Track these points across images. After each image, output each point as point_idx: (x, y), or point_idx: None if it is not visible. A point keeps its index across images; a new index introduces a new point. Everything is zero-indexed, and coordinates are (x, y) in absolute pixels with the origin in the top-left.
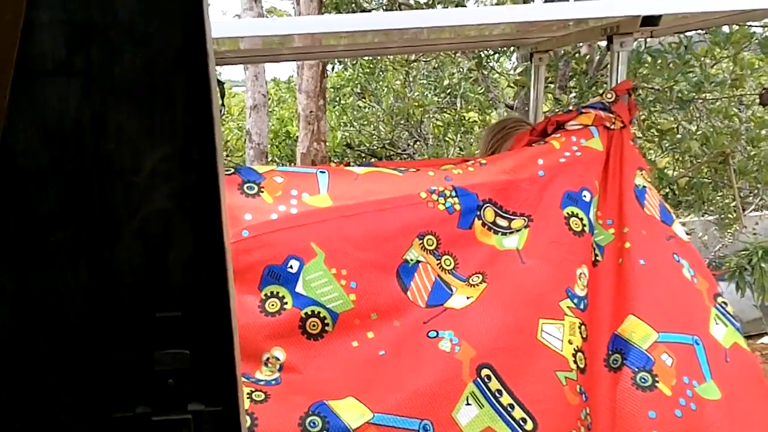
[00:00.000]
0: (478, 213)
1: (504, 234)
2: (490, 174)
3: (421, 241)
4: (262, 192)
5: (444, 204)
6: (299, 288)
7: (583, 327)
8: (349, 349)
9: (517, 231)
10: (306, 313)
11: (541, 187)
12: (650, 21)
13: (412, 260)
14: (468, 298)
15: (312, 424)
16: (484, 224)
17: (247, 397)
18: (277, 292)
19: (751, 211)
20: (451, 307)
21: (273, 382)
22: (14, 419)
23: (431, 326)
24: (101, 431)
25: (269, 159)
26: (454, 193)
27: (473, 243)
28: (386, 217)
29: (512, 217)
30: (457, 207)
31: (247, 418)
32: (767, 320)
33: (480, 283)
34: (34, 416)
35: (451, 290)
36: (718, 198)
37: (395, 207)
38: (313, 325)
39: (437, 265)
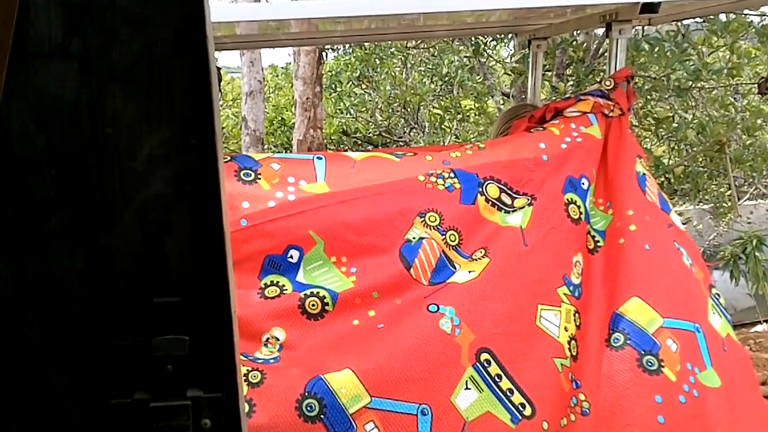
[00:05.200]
0: (480, 189)
1: (507, 212)
2: (490, 156)
3: (422, 219)
4: (259, 179)
5: (443, 184)
6: (300, 277)
7: (577, 315)
8: (349, 327)
9: (521, 209)
10: (305, 294)
11: (545, 171)
12: (649, 8)
13: (414, 238)
14: (470, 272)
15: (309, 408)
16: (487, 200)
17: (244, 380)
18: (278, 281)
19: (745, 200)
20: (453, 282)
21: (272, 360)
22: (13, 405)
23: (432, 300)
24: (99, 417)
25: (265, 146)
26: (452, 175)
27: (478, 219)
28: (384, 200)
29: (516, 195)
30: (457, 186)
31: (245, 404)
32: (761, 309)
33: (482, 257)
34: (33, 403)
35: (455, 267)
36: (713, 187)
37: (393, 190)
38: (313, 305)
39: (442, 240)
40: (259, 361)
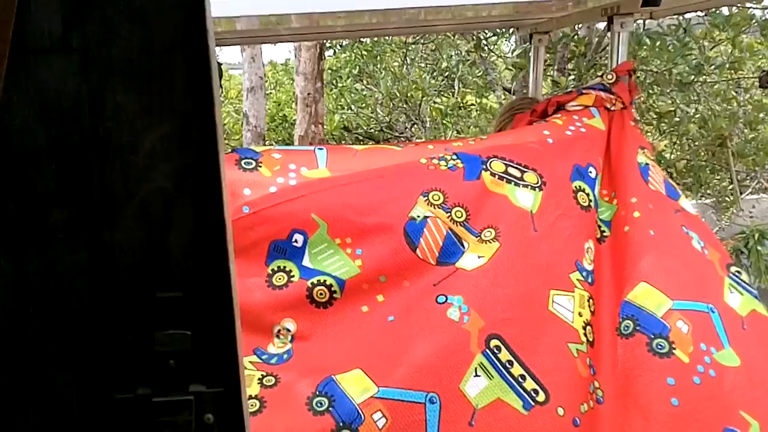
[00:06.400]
0: (484, 166)
1: (517, 185)
2: (493, 143)
3: (426, 198)
4: (260, 166)
5: (446, 165)
6: (306, 262)
7: (591, 301)
8: (359, 314)
9: (532, 188)
10: (312, 283)
11: (551, 152)
12: (651, 1)
13: (419, 217)
14: (479, 257)
15: (319, 405)
16: (493, 174)
17: (258, 382)
18: (284, 267)
19: (748, 195)
20: (462, 268)
21: (285, 356)
22: (15, 401)
23: (440, 289)
24: (102, 412)
25: (266, 142)
26: (455, 157)
27: (484, 193)
28: (386, 181)
29: (524, 169)
30: (460, 165)
31: (257, 401)
32: (764, 303)
33: (492, 240)
34: (35, 398)
35: (463, 246)
36: (715, 181)
37: (395, 172)
38: (321, 294)
39: (448, 217)
40: (273, 360)
